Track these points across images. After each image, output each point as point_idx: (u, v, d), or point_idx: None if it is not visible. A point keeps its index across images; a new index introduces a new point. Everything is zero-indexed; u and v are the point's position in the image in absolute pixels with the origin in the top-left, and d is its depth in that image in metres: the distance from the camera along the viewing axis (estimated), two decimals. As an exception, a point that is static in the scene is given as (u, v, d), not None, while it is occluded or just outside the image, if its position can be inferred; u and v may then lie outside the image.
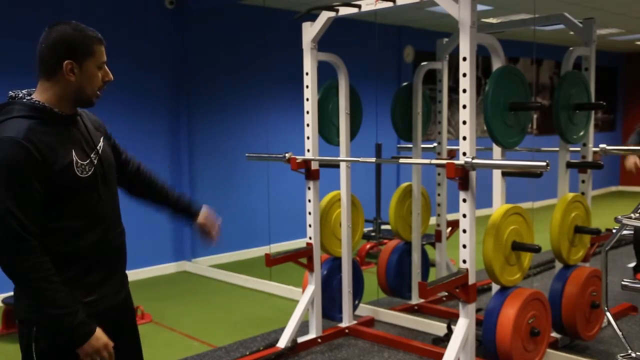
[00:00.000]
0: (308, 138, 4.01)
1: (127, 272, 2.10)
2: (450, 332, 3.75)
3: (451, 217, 4.68)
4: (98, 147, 1.93)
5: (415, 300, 4.70)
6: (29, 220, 1.71)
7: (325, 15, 3.85)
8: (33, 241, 1.72)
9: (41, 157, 1.71)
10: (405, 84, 4.69)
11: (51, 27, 1.81)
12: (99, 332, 1.81)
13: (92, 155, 1.88)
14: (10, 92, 1.83)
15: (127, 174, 2.19)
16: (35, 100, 1.80)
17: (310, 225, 4.06)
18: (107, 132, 2.09)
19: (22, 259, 1.70)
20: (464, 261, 3.18)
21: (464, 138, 3.14)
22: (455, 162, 3.11)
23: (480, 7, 3.30)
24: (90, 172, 1.85)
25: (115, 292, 1.99)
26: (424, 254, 4.79)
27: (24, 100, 1.79)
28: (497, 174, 3.48)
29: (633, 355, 2.75)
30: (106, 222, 1.92)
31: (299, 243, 4.63)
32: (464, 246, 3.18)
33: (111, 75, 1.90)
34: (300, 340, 4.00)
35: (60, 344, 1.81)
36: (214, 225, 2.26)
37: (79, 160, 1.82)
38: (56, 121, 1.81)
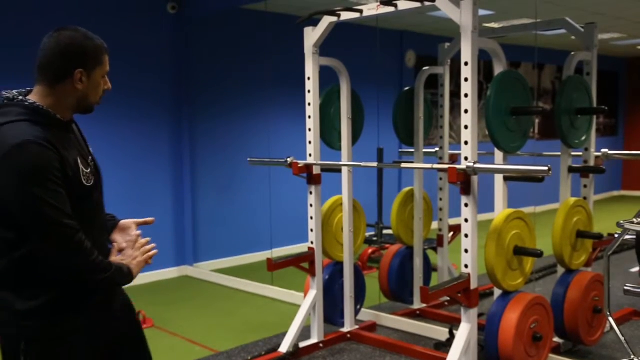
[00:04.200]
0: (310, 143, 4.01)
1: None
2: (452, 337, 3.75)
3: (453, 221, 4.68)
4: (92, 155, 1.92)
5: (417, 305, 4.69)
6: (68, 216, 1.69)
7: (327, 20, 3.86)
8: (80, 232, 1.71)
9: (61, 160, 1.69)
10: (407, 88, 4.70)
11: (58, 32, 1.75)
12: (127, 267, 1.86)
13: (90, 164, 1.85)
14: (4, 93, 1.76)
15: None
16: (38, 104, 1.73)
17: (312, 230, 4.06)
18: None
19: (92, 255, 1.73)
20: (466, 266, 3.17)
21: (466, 143, 3.14)
22: (457, 166, 3.11)
23: (482, 12, 3.31)
24: (92, 182, 1.82)
25: (109, 301, 1.93)
26: (426, 258, 4.79)
27: (26, 103, 1.72)
28: (499, 178, 3.48)
29: (636, 360, 2.74)
30: (98, 229, 1.89)
31: (300, 248, 4.63)
32: (466, 251, 3.17)
33: (110, 85, 1.88)
34: (302, 345, 3.99)
35: (50, 356, 1.76)
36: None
37: (83, 169, 1.78)
38: (58, 127, 1.76)
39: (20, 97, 1.74)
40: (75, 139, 1.85)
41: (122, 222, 2.01)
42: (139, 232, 1.99)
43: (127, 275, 1.86)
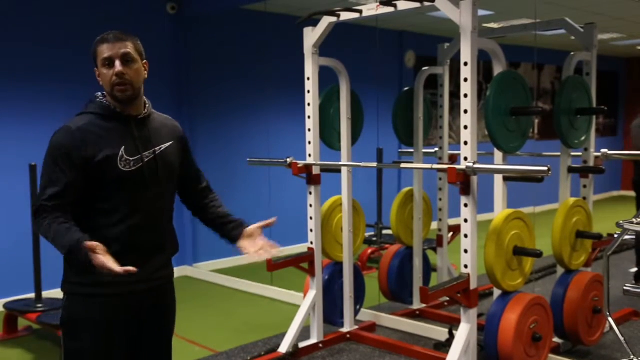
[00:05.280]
0: (309, 143, 4.01)
1: None
2: (451, 337, 3.75)
3: (453, 222, 4.68)
4: (157, 148, 2.09)
5: (417, 305, 4.69)
6: (51, 192, 1.93)
7: (326, 21, 3.86)
8: (49, 208, 1.92)
9: (85, 145, 1.94)
10: (406, 88, 4.70)
11: None
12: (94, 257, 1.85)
13: (145, 153, 2.04)
14: (97, 93, 2.08)
15: (190, 194, 2.36)
16: (105, 100, 2.05)
17: (311, 230, 4.06)
18: (185, 142, 2.26)
19: (38, 218, 1.94)
20: (466, 266, 3.17)
21: (465, 143, 3.14)
22: (457, 167, 3.11)
23: (481, 12, 3.31)
24: (134, 168, 2.00)
25: (135, 282, 2.03)
26: (425, 258, 4.79)
27: (97, 99, 2.05)
28: (498, 178, 3.48)
29: (635, 360, 2.74)
30: (144, 217, 2.05)
31: (300, 248, 4.63)
32: (466, 251, 3.17)
33: (117, 69, 1.97)
34: (301, 345, 3.99)
35: (75, 312, 2.02)
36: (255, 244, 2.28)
37: (124, 155, 1.99)
38: (116, 119, 2.02)
39: (100, 95, 2.07)
40: (138, 130, 2.04)
41: (247, 229, 2.25)
42: (262, 241, 2.22)
43: (74, 257, 1.85)
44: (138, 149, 2.04)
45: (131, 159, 2.01)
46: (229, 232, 2.32)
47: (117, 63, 1.98)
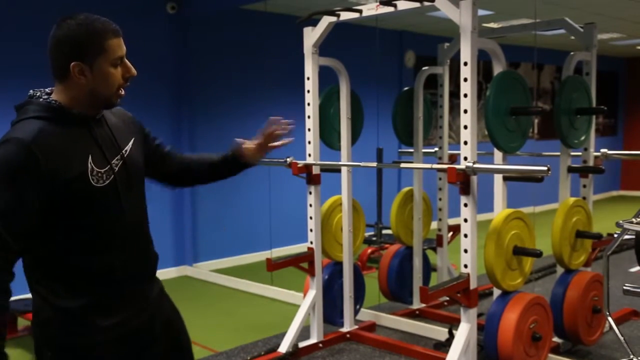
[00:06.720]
0: (309, 143, 4.01)
1: None
2: (451, 337, 3.75)
3: (452, 221, 4.68)
4: (124, 151, 1.72)
5: (417, 305, 4.69)
6: (7, 232, 1.52)
7: (326, 20, 3.86)
8: (3, 253, 1.56)
9: (47, 165, 1.52)
10: (406, 88, 4.70)
11: (58, 23, 1.63)
12: None
13: (113, 161, 1.67)
14: (30, 91, 1.67)
15: (173, 169, 2.08)
16: (52, 100, 1.62)
17: (311, 230, 4.06)
18: (143, 130, 1.91)
19: None
20: (465, 266, 3.18)
21: (465, 143, 3.14)
22: (457, 166, 3.11)
23: (481, 12, 3.32)
24: (108, 181, 1.63)
25: (135, 315, 1.74)
26: (425, 258, 4.79)
27: (41, 99, 1.62)
28: (498, 178, 3.48)
29: (635, 360, 2.74)
30: (127, 240, 1.71)
31: (300, 248, 4.63)
32: (465, 251, 3.18)
33: (133, 70, 1.67)
34: (301, 345, 3.99)
35: None
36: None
37: (94, 168, 1.61)
38: (73, 123, 1.62)
39: (38, 94, 1.65)
40: (99, 133, 1.68)
41: (244, 146, 2.06)
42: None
43: None
44: (105, 156, 1.65)
45: (102, 170, 1.62)
46: (230, 160, 2.14)
47: (128, 64, 1.67)
